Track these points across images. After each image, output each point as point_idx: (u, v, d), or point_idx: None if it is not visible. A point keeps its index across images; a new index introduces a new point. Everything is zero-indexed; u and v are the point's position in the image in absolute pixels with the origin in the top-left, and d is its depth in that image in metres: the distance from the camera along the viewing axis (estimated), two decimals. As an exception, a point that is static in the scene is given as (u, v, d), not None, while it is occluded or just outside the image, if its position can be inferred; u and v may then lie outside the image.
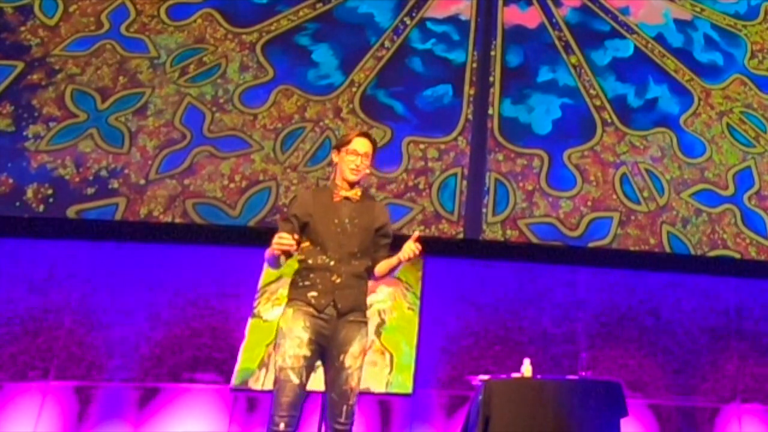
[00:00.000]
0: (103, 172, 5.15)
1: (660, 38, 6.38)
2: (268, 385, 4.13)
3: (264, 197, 5.24)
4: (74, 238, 5.11)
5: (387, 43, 5.99)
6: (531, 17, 6.31)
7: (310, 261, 2.92)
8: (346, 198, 3.00)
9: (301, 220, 2.95)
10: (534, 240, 5.42)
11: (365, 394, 4.29)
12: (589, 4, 6.43)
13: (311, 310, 2.83)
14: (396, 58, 5.94)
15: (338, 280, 2.88)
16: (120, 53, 5.59)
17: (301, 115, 5.61)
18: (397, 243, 3.07)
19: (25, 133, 5.17)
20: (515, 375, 4.26)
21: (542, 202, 5.55)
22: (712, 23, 6.53)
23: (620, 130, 5.92)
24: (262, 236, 3.31)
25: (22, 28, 5.55)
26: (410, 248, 2.90)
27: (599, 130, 5.88)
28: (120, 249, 5.20)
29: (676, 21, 6.48)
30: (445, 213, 5.41)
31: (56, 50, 5.52)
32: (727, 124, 6.10)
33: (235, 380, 4.50)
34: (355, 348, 2.86)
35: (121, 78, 5.51)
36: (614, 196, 5.65)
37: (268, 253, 2.85)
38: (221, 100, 5.56)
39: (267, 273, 4.69)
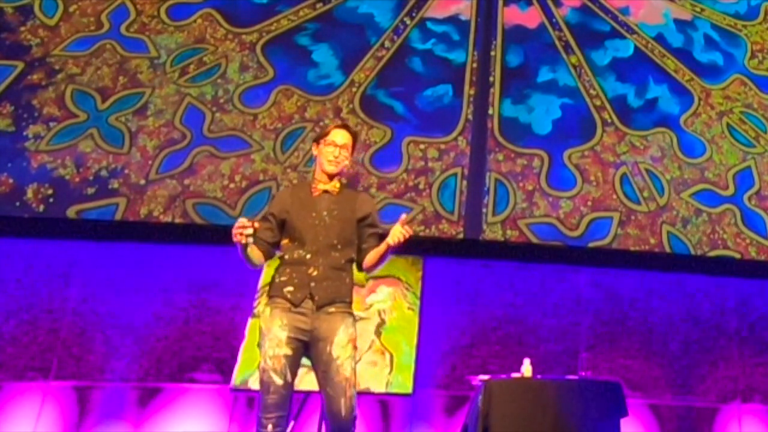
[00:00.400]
0: (103, 172, 5.15)
1: (660, 38, 6.37)
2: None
3: (264, 197, 5.23)
4: (74, 238, 5.11)
5: (387, 43, 5.99)
6: (531, 17, 6.31)
7: (286, 257, 2.88)
8: (325, 191, 2.95)
9: (278, 218, 2.93)
10: (534, 240, 5.42)
11: (365, 394, 4.30)
12: (589, 4, 6.42)
13: (288, 305, 2.78)
14: (396, 58, 5.93)
15: (315, 273, 2.80)
16: (120, 53, 5.59)
17: (301, 115, 5.60)
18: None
19: (25, 133, 5.17)
20: (515, 375, 4.26)
21: (542, 202, 5.54)
22: (712, 23, 6.51)
23: (620, 130, 5.91)
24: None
25: (22, 28, 5.55)
26: (399, 231, 2.78)
27: (599, 130, 5.88)
28: (120, 249, 5.20)
29: (676, 21, 6.47)
30: (445, 213, 5.41)
31: (56, 50, 5.51)
32: (727, 124, 6.09)
33: (235, 380, 4.51)
34: (340, 337, 2.76)
35: (121, 78, 5.50)
36: (614, 196, 5.65)
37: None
38: (221, 100, 5.56)
39: (267, 273, 4.69)
